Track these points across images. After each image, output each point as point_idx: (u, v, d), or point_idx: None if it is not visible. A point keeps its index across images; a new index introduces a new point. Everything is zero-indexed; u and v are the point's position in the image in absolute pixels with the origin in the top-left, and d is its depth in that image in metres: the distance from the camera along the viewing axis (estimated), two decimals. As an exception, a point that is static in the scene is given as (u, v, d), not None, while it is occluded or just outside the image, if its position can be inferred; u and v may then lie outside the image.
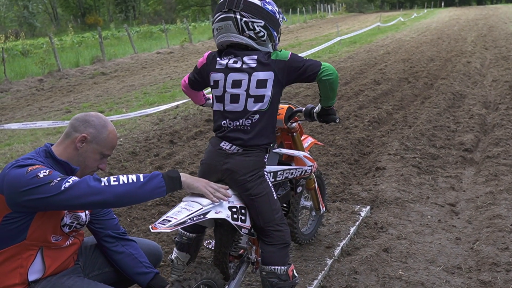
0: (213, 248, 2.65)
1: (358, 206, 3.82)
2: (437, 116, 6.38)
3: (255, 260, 2.52)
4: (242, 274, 2.51)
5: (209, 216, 2.11)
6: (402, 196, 4.01)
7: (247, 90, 2.23)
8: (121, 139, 6.52)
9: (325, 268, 2.98)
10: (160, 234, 3.59)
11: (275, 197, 2.36)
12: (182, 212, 2.08)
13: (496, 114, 6.33)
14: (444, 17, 23.39)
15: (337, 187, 4.31)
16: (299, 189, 2.90)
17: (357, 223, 3.54)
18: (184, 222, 2.02)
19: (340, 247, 3.22)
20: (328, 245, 3.24)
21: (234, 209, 2.22)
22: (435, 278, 2.88)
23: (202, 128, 6.61)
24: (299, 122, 2.78)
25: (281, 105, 2.59)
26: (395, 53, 12.94)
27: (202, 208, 2.11)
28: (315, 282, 2.86)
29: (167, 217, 2.06)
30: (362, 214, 3.68)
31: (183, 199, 2.20)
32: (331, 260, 3.08)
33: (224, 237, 2.41)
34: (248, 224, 2.29)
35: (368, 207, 3.81)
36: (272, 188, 2.35)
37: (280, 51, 2.27)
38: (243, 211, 2.26)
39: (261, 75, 2.22)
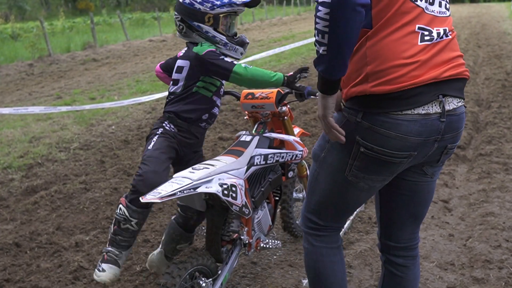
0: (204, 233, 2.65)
1: (352, 201, 3.81)
2: (430, 112, 6.40)
3: (247, 242, 2.53)
4: (235, 259, 2.52)
5: (199, 190, 2.13)
6: (396, 191, 4.02)
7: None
8: (113, 127, 6.45)
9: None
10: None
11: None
12: (172, 185, 2.11)
13: (489, 112, 6.37)
14: (438, 14, 23.47)
15: (331, 181, 4.30)
16: (290, 174, 2.92)
17: (351, 217, 3.54)
18: (174, 194, 2.05)
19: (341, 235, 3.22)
20: (323, 238, 3.24)
21: (225, 186, 2.24)
22: (428, 274, 2.89)
23: (195, 118, 6.56)
24: (288, 106, 2.85)
25: (270, 90, 2.70)
26: (388, 48, 12.95)
27: (192, 182, 2.13)
28: (310, 275, 2.85)
29: (157, 189, 2.09)
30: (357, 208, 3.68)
31: (173, 176, 2.23)
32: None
33: (215, 218, 2.43)
34: (239, 201, 2.31)
35: (362, 202, 3.81)
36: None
37: (201, 45, 2.58)
38: (234, 188, 2.28)
39: (180, 62, 2.68)
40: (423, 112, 1.68)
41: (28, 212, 4.01)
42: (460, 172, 4.52)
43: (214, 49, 2.55)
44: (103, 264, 2.46)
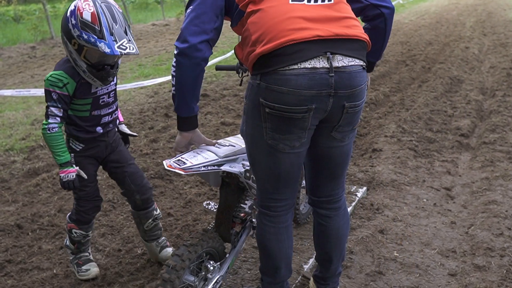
0: (212, 209, 2.64)
1: (355, 187, 3.81)
2: (434, 100, 6.36)
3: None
4: (243, 241, 2.51)
5: (223, 168, 2.15)
6: (399, 178, 4.01)
7: None
8: (115, 111, 6.43)
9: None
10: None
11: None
12: (198, 158, 2.11)
13: (493, 101, 6.32)
14: (444, 1, 23.18)
15: (333, 167, 4.29)
16: None
17: (354, 203, 3.53)
18: (198, 169, 2.06)
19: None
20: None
21: (247, 167, 2.25)
22: (430, 261, 2.89)
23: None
24: None
25: None
26: (393, 35, 12.84)
27: (217, 159, 2.14)
28: (311, 260, 2.86)
29: (183, 158, 2.09)
30: (359, 194, 3.67)
31: (200, 146, 2.23)
32: (327, 240, 3.07)
33: (230, 196, 2.41)
34: None
35: (365, 188, 3.80)
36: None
37: (49, 76, 2.45)
38: None
39: None
40: (310, 66, 1.81)
41: (30, 194, 4.01)
42: (463, 160, 4.50)
43: (49, 89, 2.42)
44: (83, 267, 2.81)
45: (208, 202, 2.74)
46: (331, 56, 1.82)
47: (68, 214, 2.77)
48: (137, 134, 3.00)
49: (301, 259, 2.91)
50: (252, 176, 2.28)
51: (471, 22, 14.88)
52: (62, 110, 2.46)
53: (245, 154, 2.28)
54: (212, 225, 2.53)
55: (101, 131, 2.61)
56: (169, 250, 2.93)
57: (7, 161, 4.74)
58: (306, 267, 2.81)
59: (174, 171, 2.03)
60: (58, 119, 2.46)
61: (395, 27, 14.34)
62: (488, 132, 5.07)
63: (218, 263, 2.33)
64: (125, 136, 2.89)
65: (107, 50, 2.27)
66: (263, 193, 2.16)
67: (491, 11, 17.53)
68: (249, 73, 2.08)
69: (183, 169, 2.02)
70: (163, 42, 13.29)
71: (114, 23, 2.31)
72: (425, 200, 3.69)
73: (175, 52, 1.94)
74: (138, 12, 22.81)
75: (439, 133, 5.17)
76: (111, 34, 2.29)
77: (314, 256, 2.59)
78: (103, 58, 2.39)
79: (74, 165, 2.54)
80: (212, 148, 2.22)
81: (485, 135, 5.02)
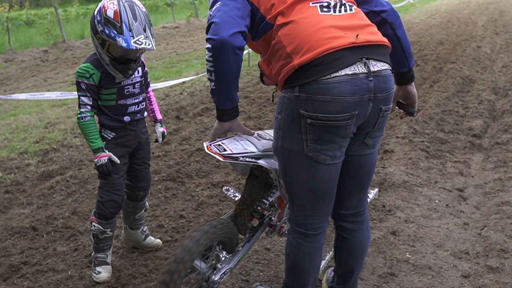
0: (231, 196, 2.65)
1: (366, 188, 3.80)
2: (445, 100, 6.33)
3: (275, 223, 2.52)
4: (257, 237, 2.51)
5: (260, 162, 2.15)
6: (410, 179, 4.00)
7: None
8: (127, 113, 6.48)
9: (333, 249, 2.98)
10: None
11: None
12: (238, 146, 2.12)
13: (506, 101, 6.27)
14: (454, 0, 23.04)
15: (345, 169, 4.29)
16: None
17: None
18: (237, 158, 2.08)
19: (347, 229, 3.22)
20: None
21: None
22: (443, 262, 2.88)
23: (208, 105, 6.56)
24: None
25: None
26: (404, 35, 12.78)
27: (256, 152, 2.15)
28: (323, 262, 2.86)
29: (223, 143, 2.12)
30: (370, 196, 3.67)
31: (238, 134, 2.24)
32: (339, 241, 3.07)
33: (255, 189, 2.40)
34: None
35: (376, 190, 3.80)
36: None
37: (79, 68, 2.63)
38: None
39: None
40: (351, 72, 1.83)
41: (44, 197, 4.06)
42: (475, 161, 4.47)
43: (78, 80, 2.63)
44: (96, 268, 2.88)
45: (227, 187, 2.74)
46: (367, 61, 1.86)
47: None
48: (160, 141, 3.10)
49: (313, 260, 2.91)
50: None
51: (482, 21, 14.75)
52: (91, 99, 2.66)
53: None
54: (229, 214, 2.50)
55: (129, 119, 2.77)
56: (152, 238, 3.18)
57: (22, 164, 4.81)
58: (318, 268, 2.82)
59: (214, 156, 2.05)
60: (89, 107, 2.66)
61: (406, 27, 14.25)
62: (501, 133, 5.04)
63: (230, 254, 2.32)
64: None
65: (124, 44, 2.45)
66: (300, 210, 2.11)
67: (503, 9, 17.36)
68: (278, 88, 2.05)
69: (223, 155, 2.04)
70: (173, 44, 13.36)
71: (134, 21, 2.49)
72: (437, 201, 3.68)
73: (210, 45, 1.87)
74: (148, 14, 22.89)
75: (451, 133, 5.14)
76: (130, 30, 2.47)
77: (333, 269, 2.55)
78: (126, 52, 2.56)
79: (106, 151, 2.72)
80: (252, 138, 2.23)
81: (498, 135, 4.99)
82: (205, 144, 2.11)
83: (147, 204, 3.12)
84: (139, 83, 2.81)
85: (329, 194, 2.08)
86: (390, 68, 1.96)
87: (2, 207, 3.90)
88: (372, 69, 1.86)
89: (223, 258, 2.26)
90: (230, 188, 2.72)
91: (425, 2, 22.61)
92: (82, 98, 2.66)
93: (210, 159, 4.62)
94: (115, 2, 2.49)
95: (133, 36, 2.47)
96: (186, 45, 13.19)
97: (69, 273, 2.96)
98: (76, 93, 2.72)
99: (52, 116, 6.44)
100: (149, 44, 2.50)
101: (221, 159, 2.03)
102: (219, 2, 1.94)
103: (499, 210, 3.44)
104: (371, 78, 1.85)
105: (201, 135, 5.37)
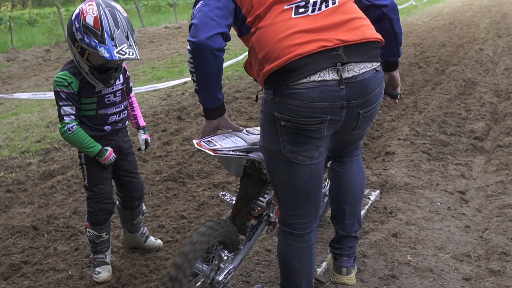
0: (228, 200, 2.64)
1: (368, 190, 3.80)
2: (448, 102, 6.32)
3: (273, 220, 2.51)
4: (258, 236, 2.50)
5: (250, 155, 2.15)
6: (412, 181, 3.99)
7: None
8: (128, 113, 6.48)
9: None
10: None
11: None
12: (227, 141, 2.12)
13: (508, 103, 6.25)
14: (457, 2, 22.99)
15: (346, 170, 4.28)
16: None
17: (367, 207, 3.52)
18: (228, 152, 2.08)
19: (349, 230, 3.21)
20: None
21: None
22: (444, 265, 2.87)
23: (210, 105, 6.55)
24: None
25: None
26: (406, 37, 12.78)
27: (246, 145, 2.15)
28: (324, 264, 2.85)
29: (213, 139, 2.12)
30: (372, 198, 3.66)
31: (228, 131, 2.25)
32: (340, 243, 3.07)
33: (250, 187, 2.39)
34: None
35: (378, 191, 3.79)
36: None
37: (57, 76, 2.51)
38: None
39: None
40: (319, 79, 1.80)
41: (45, 196, 4.06)
42: (477, 164, 4.46)
43: (57, 89, 2.49)
44: (96, 268, 2.85)
45: (224, 192, 2.73)
46: (341, 67, 1.81)
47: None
48: (143, 150, 3.01)
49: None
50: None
51: (485, 24, 14.74)
52: (74, 107, 2.51)
53: None
54: (228, 215, 2.50)
55: (110, 129, 2.68)
56: (153, 239, 3.15)
57: (23, 163, 4.81)
58: (319, 270, 2.81)
59: (204, 151, 2.05)
60: (73, 116, 2.52)
61: (408, 29, 14.27)
62: (503, 135, 5.02)
63: (232, 253, 2.30)
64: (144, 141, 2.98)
65: (106, 54, 2.31)
66: (285, 210, 2.14)
67: (506, 12, 17.34)
68: (262, 88, 2.06)
69: (213, 149, 2.04)
70: (175, 44, 13.37)
71: (116, 28, 2.34)
72: (438, 203, 3.67)
73: (189, 47, 1.88)
74: (150, 15, 22.97)
75: (453, 136, 5.13)
76: (112, 39, 2.31)
77: (328, 243, 2.66)
78: (106, 61, 2.43)
79: (107, 148, 2.65)
80: (240, 134, 2.23)
81: (500, 138, 4.98)
82: (194, 141, 2.11)
83: (144, 208, 3.08)
84: (120, 91, 2.67)
85: (313, 193, 2.08)
86: (375, 66, 1.90)
87: (3, 206, 3.90)
88: (346, 75, 1.82)
89: (225, 258, 2.25)
90: (226, 193, 2.72)
91: (427, 4, 22.60)
92: (64, 108, 2.49)
93: (211, 159, 4.62)
94: (95, 8, 2.32)
95: (116, 46, 2.31)
96: (187, 44, 13.17)
97: (70, 272, 2.96)
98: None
99: (54, 116, 6.44)
100: (133, 54, 2.35)
101: (212, 153, 2.03)
102: (201, 1, 1.93)
103: (501, 213, 3.43)
104: (343, 86, 1.81)
105: (202, 136, 5.37)
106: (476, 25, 14.48)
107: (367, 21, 1.92)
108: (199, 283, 2.23)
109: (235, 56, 9.26)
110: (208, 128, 2.16)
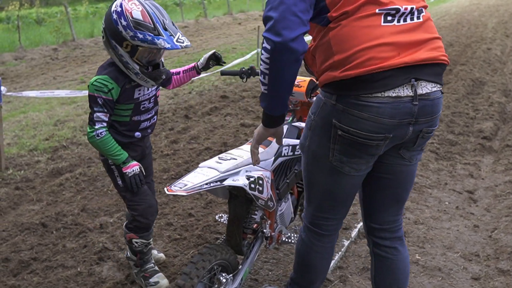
0: (224, 222, 2.64)
1: (375, 189, 3.78)
2: (456, 102, 6.29)
3: (269, 235, 2.50)
4: (256, 252, 2.49)
5: (226, 183, 2.11)
6: (420, 181, 3.98)
7: None
8: (136, 112, 6.50)
9: (342, 249, 2.98)
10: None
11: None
12: (198, 177, 2.08)
13: (516, 103, 6.22)
14: (464, 2, 22.88)
15: (354, 169, 4.28)
16: None
17: (358, 227, 3.51)
18: (200, 187, 2.02)
19: (357, 229, 3.21)
20: (345, 226, 3.23)
21: (252, 178, 2.19)
22: (452, 264, 2.86)
23: (217, 104, 6.57)
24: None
25: (303, 78, 2.59)
26: (413, 36, 12.73)
27: (219, 174, 2.10)
28: (332, 262, 2.85)
29: (183, 180, 2.06)
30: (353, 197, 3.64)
31: (199, 165, 2.20)
32: (348, 242, 3.07)
33: (238, 208, 2.38)
34: (265, 195, 2.27)
35: (385, 191, 3.78)
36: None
37: (92, 81, 2.35)
38: (260, 181, 2.23)
39: None
40: (394, 95, 1.70)
41: (54, 194, 4.08)
42: (486, 163, 4.44)
43: (94, 94, 2.35)
44: (150, 280, 2.70)
45: (220, 215, 2.75)
46: (415, 83, 1.72)
47: (125, 224, 2.70)
48: (220, 56, 2.77)
49: (322, 260, 2.90)
50: (258, 187, 2.23)
51: (493, 23, 14.66)
52: (108, 115, 2.40)
53: (249, 166, 2.22)
54: (224, 237, 2.51)
55: (139, 136, 2.57)
56: (155, 252, 2.99)
57: (32, 161, 4.84)
58: (327, 269, 2.81)
59: (176, 194, 2.00)
60: (105, 123, 2.41)
61: (415, 29, 14.20)
62: (512, 135, 5.00)
63: (231, 275, 2.29)
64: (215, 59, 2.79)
65: (167, 45, 2.20)
66: (317, 211, 2.07)
67: (514, 11, 17.23)
68: (320, 89, 1.92)
69: (184, 190, 1.98)
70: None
71: (164, 19, 2.25)
72: (447, 203, 3.65)
73: (269, 46, 1.63)
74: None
75: (461, 135, 5.11)
76: (165, 29, 2.23)
77: None
78: (151, 57, 2.34)
79: (133, 160, 2.50)
80: (212, 164, 2.16)
81: (508, 137, 4.95)
82: (165, 189, 2.04)
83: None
84: (153, 97, 2.58)
85: (350, 200, 2.03)
86: (441, 89, 1.83)
87: (12, 204, 3.92)
88: (419, 91, 1.72)
89: (225, 280, 2.24)
90: (223, 215, 2.73)
91: (435, 3, 22.50)
92: (98, 114, 2.37)
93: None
94: (137, 3, 2.22)
95: (172, 35, 2.21)
96: (194, 44, 13.21)
97: (78, 269, 2.97)
98: (85, 91, 2.59)
99: (62, 114, 6.47)
100: (188, 42, 2.26)
101: (184, 194, 1.98)
102: None
103: (510, 212, 3.42)
104: (416, 103, 1.72)
105: (209, 134, 5.38)
106: (483, 25, 14.40)
107: (441, 43, 1.87)
108: None
109: (241, 55, 9.26)
110: (264, 136, 1.94)
